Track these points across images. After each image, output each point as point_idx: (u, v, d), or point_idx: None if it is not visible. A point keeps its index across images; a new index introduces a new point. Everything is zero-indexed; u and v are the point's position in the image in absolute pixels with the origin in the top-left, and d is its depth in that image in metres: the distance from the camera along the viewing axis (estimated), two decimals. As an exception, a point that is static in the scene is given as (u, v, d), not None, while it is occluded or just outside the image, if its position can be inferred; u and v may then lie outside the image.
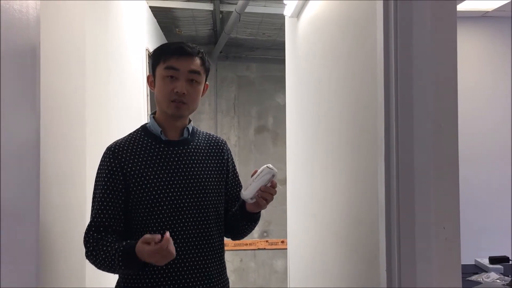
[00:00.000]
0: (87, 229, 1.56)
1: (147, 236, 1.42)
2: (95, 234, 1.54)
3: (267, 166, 1.56)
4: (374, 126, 1.51)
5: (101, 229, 1.55)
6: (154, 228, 1.55)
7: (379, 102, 1.43)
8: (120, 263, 1.46)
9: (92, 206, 1.59)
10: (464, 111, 3.09)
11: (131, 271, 1.53)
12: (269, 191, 1.56)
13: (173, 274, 1.56)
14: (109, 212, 1.55)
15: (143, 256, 1.42)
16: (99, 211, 1.56)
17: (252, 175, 1.57)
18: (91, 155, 2.19)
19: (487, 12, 3.17)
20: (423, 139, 1.34)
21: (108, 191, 1.56)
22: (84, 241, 1.56)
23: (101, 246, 1.51)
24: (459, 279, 1.33)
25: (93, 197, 1.60)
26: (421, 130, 1.34)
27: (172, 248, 1.40)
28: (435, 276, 1.31)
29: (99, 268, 1.55)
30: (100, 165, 1.61)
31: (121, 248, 1.47)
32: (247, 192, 1.56)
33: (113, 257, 1.48)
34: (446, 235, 1.31)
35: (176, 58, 1.60)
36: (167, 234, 1.40)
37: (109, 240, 1.52)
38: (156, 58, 1.65)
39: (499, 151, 3.17)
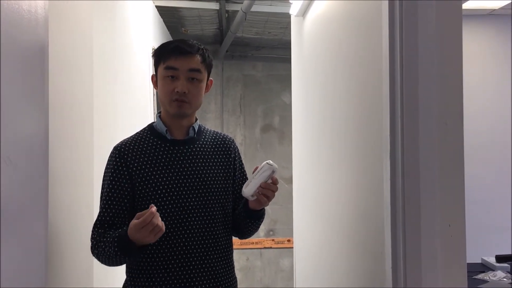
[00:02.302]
0: (93, 226, 1.59)
1: (139, 213, 1.42)
2: (100, 230, 1.56)
3: (267, 163, 1.54)
4: (379, 124, 1.51)
5: (106, 225, 1.56)
6: (161, 227, 1.57)
7: (384, 101, 1.44)
8: (116, 249, 1.47)
9: (99, 205, 1.62)
10: (471, 109, 3.09)
11: (128, 258, 1.51)
12: (270, 187, 1.55)
13: (180, 273, 1.56)
14: (113, 210, 1.57)
15: (133, 236, 1.42)
16: (104, 209, 1.58)
17: (253, 172, 1.56)
18: (98, 154, 2.20)
19: (494, 10, 3.16)
20: (428, 137, 1.34)
21: (113, 190, 1.58)
22: (90, 237, 1.58)
23: (103, 239, 1.53)
24: (464, 277, 1.33)
25: (100, 196, 1.63)
26: (427, 128, 1.34)
27: (159, 221, 1.39)
28: (441, 274, 1.31)
29: (102, 261, 1.56)
30: (107, 164, 1.63)
31: (116, 234, 1.49)
32: (248, 189, 1.55)
33: (110, 245, 1.49)
34: (451, 233, 1.31)
35: (175, 57, 1.59)
36: (152, 208, 1.39)
37: (110, 232, 1.54)
38: (156, 58, 1.65)
39: (507, 149, 3.16)
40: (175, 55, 1.60)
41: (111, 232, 1.54)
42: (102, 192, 1.62)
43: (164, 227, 1.42)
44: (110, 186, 1.58)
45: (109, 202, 1.57)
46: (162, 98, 1.63)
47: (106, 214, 1.57)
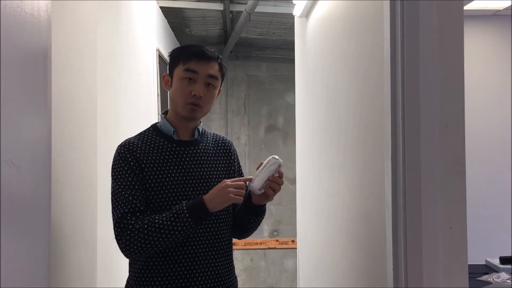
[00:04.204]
0: (119, 221, 1.51)
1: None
2: (134, 218, 1.51)
3: (273, 157, 1.59)
4: (381, 125, 1.51)
5: (138, 214, 1.52)
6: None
7: (385, 102, 1.44)
8: (187, 215, 1.48)
9: (117, 200, 1.54)
10: (475, 109, 3.08)
11: (196, 226, 1.50)
12: (277, 181, 1.59)
13: (183, 271, 1.57)
14: (140, 197, 1.54)
15: (216, 193, 1.51)
16: (131, 197, 1.53)
17: (257, 168, 1.60)
18: (102, 155, 2.21)
19: (498, 10, 3.14)
20: (429, 138, 1.34)
21: (133, 181, 1.55)
22: (119, 232, 1.50)
23: (152, 219, 1.50)
24: (465, 279, 1.33)
25: (118, 192, 1.55)
26: (428, 130, 1.34)
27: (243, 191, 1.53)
28: (442, 276, 1.31)
29: (149, 245, 1.48)
30: (116, 161, 1.60)
31: (184, 203, 1.51)
32: (255, 183, 1.58)
33: (175, 216, 1.48)
34: (453, 235, 1.31)
35: (196, 61, 1.62)
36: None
37: (155, 215, 1.52)
38: (175, 58, 1.66)
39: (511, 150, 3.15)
40: (197, 58, 1.62)
41: (156, 215, 1.52)
42: (118, 187, 1.56)
43: (242, 198, 1.53)
44: (130, 178, 1.55)
45: (133, 191, 1.54)
46: (176, 99, 1.64)
47: (135, 201, 1.53)
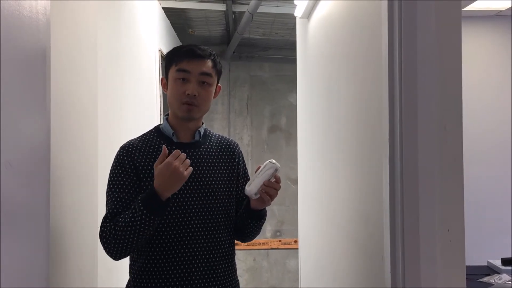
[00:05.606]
0: (103, 221, 1.54)
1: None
2: (108, 221, 1.53)
3: (269, 161, 1.56)
4: (379, 127, 1.51)
5: (116, 216, 1.53)
6: (163, 229, 1.57)
7: (383, 103, 1.43)
8: (142, 208, 1.45)
9: (107, 202, 1.59)
10: (475, 110, 3.07)
11: (155, 215, 1.47)
12: (273, 186, 1.56)
13: (182, 274, 1.57)
14: (127, 202, 1.55)
15: (157, 183, 1.45)
16: (116, 201, 1.55)
17: (255, 171, 1.58)
18: (102, 155, 2.22)
19: (500, 11, 3.13)
20: (427, 140, 1.33)
21: (125, 185, 1.57)
22: (100, 234, 1.53)
23: (119, 219, 1.49)
24: (463, 281, 1.33)
25: (107, 193, 1.59)
26: (426, 132, 1.33)
27: (179, 165, 1.43)
28: (439, 278, 1.31)
29: (122, 245, 1.49)
30: (114, 163, 1.62)
31: (139, 197, 1.49)
32: (251, 187, 1.56)
33: (133, 211, 1.47)
34: (450, 237, 1.31)
35: (187, 60, 1.62)
36: (165, 150, 1.47)
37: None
38: (168, 61, 1.67)
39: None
40: (188, 58, 1.62)
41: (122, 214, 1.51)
42: (109, 188, 1.59)
43: (183, 172, 1.45)
44: (121, 182, 1.57)
45: (121, 196, 1.55)
46: (172, 101, 1.64)
47: (118, 205, 1.54)
